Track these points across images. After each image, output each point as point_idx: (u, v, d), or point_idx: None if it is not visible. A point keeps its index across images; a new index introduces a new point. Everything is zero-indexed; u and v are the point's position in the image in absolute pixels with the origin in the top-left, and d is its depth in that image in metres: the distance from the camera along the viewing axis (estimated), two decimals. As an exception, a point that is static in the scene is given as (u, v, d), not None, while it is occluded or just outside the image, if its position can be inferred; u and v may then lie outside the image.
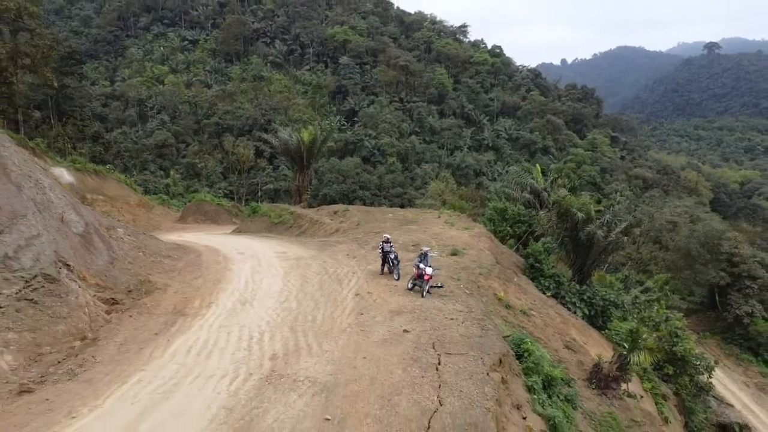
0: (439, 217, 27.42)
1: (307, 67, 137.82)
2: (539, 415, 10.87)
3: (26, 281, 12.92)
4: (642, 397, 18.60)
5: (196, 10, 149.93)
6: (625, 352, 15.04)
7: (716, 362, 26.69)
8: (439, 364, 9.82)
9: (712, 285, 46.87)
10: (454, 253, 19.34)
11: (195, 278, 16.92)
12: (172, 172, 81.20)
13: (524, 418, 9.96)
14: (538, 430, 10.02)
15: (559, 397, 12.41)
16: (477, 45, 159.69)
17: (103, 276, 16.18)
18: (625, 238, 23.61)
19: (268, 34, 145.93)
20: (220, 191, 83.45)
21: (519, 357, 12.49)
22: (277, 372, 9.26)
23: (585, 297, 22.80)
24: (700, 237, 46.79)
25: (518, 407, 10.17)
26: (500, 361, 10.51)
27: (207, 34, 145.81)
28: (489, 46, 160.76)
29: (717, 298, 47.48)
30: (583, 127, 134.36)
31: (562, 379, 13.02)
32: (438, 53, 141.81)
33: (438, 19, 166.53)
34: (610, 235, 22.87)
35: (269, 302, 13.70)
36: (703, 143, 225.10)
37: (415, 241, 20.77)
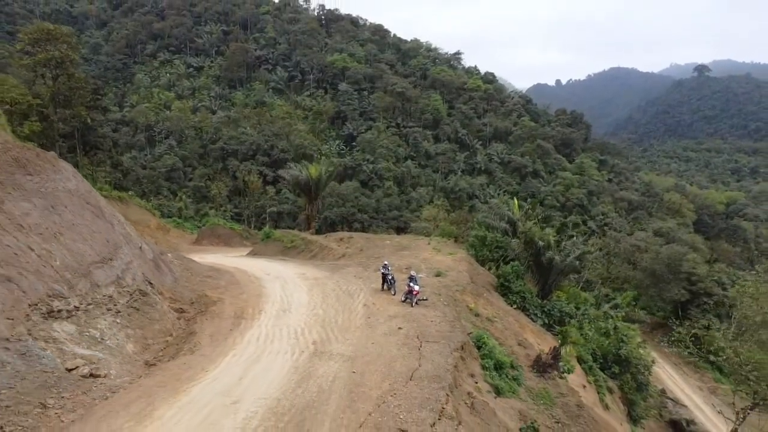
0: (429, 243, 32.93)
1: (308, 92, 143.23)
2: (488, 384, 16.22)
3: (130, 294, 18.11)
4: (585, 386, 23.96)
5: (201, 38, 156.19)
6: (558, 345, 20.41)
7: (653, 362, 31.99)
8: (420, 347, 15.13)
9: (675, 301, 52.14)
10: (438, 275, 24.81)
11: (240, 293, 22.18)
12: (183, 196, 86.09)
13: (476, 383, 15.31)
14: (485, 390, 15.36)
15: (507, 376, 17.73)
16: (471, 72, 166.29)
17: (173, 291, 21.42)
18: (578, 262, 29.02)
19: (270, 61, 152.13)
20: (227, 213, 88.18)
21: (479, 348, 17.85)
22: (318, 350, 14.60)
23: (545, 309, 28.20)
24: (664, 258, 52.17)
25: (472, 376, 15.54)
26: (462, 347, 15.89)
27: (211, 61, 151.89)
28: (482, 72, 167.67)
29: (680, 313, 52.65)
30: (572, 151, 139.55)
31: (511, 364, 18.39)
32: (433, 80, 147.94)
33: (433, 46, 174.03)
34: (566, 260, 28.34)
35: (302, 310, 19.02)
36: (692, 164, 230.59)
37: (408, 264, 26.21)
